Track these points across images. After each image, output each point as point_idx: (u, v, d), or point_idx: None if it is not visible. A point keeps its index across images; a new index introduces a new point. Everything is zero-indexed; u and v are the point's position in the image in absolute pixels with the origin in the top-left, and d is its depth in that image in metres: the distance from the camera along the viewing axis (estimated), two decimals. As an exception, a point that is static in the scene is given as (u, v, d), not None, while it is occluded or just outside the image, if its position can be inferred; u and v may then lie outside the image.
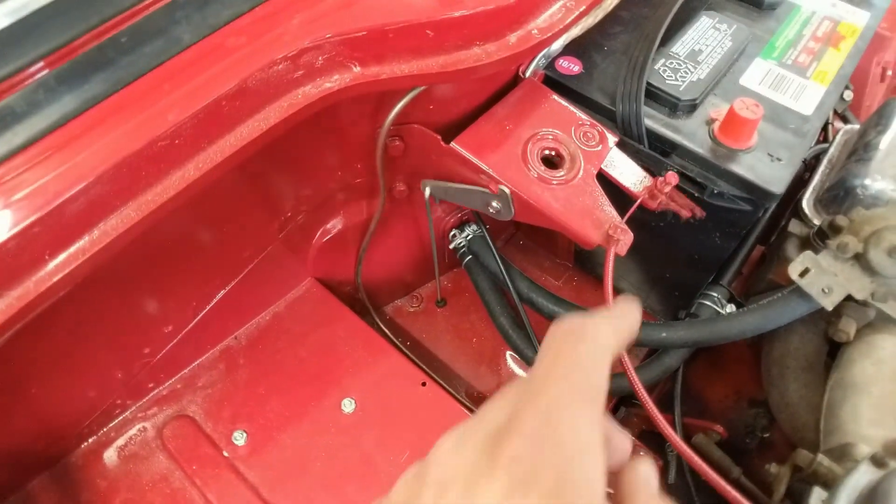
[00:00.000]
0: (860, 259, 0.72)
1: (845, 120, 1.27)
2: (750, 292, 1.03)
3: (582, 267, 1.10)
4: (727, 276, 0.96)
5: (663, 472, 0.94)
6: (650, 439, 0.99)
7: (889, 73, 1.39)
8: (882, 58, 1.33)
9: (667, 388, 1.07)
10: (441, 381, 0.89)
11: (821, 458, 0.71)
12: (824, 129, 1.16)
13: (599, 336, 0.32)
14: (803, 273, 0.74)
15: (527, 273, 1.08)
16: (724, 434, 0.95)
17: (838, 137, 1.00)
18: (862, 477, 0.64)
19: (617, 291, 1.06)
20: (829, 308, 0.73)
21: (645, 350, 1.02)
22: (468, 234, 0.95)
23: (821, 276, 0.73)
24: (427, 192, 0.76)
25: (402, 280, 1.04)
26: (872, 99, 1.38)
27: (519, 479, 0.26)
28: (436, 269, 0.97)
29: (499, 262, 0.90)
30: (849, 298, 0.75)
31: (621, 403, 1.05)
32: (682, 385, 1.22)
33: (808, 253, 0.75)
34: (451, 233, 0.96)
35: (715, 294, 0.93)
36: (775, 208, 1.01)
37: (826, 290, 0.73)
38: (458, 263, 1.01)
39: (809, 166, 1.02)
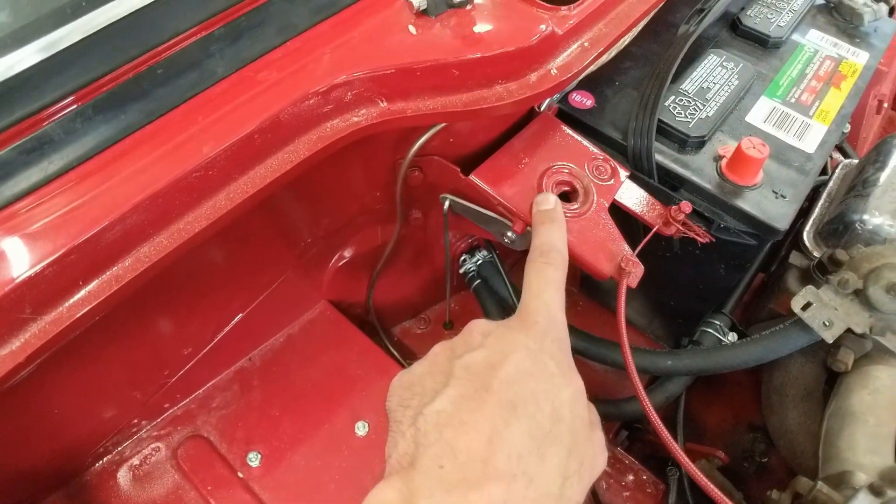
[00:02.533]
0: (860, 295, 0.76)
1: (843, 152, 1.31)
2: (751, 320, 1.06)
3: (587, 293, 1.13)
4: (729, 305, 0.99)
5: (665, 497, 0.97)
6: (652, 463, 1.02)
7: (885, 105, 1.44)
8: (878, 91, 1.37)
9: (667, 412, 1.08)
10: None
11: (820, 485, 0.74)
12: (823, 161, 1.20)
13: (560, 258, 0.61)
14: (805, 307, 0.77)
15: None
16: (726, 460, 0.97)
17: (837, 171, 1.04)
18: (861, 505, 0.67)
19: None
20: (830, 341, 0.76)
21: (648, 376, 1.04)
22: (478, 259, 0.97)
23: (822, 310, 0.76)
24: (446, 204, 0.78)
25: (410, 303, 1.06)
26: (869, 131, 1.42)
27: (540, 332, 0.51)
28: (447, 290, 1.00)
29: (509, 287, 0.93)
30: (848, 331, 0.77)
31: (623, 427, 1.07)
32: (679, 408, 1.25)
33: (811, 287, 0.78)
34: (462, 257, 0.98)
35: (717, 322, 0.96)
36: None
37: (827, 324, 0.76)
38: (464, 287, 1.03)
39: (809, 199, 1.06)
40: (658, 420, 0.66)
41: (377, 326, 1.01)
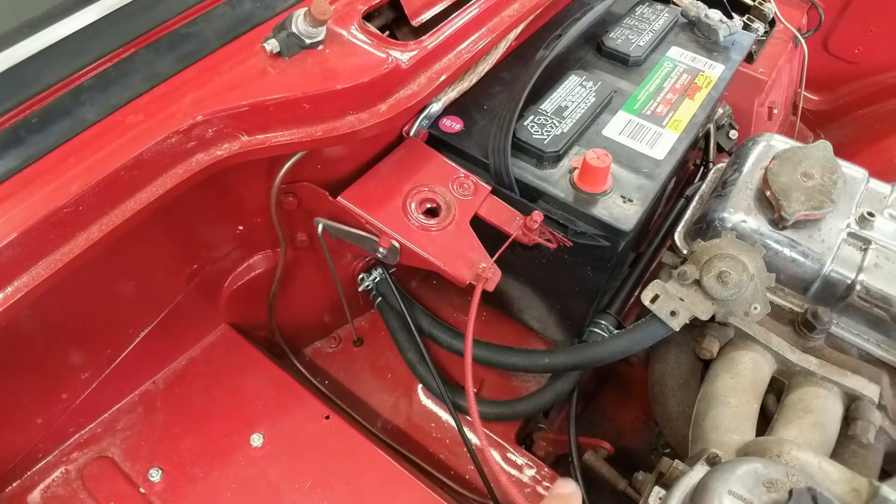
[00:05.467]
0: (699, 284, 0.86)
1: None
2: (641, 317, 1.16)
3: (489, 303, 1.22)
4: (615, 306, 1.09)
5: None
6: (552, 460, 1.12)
7: (776, 111, 1.57)
8: (765, 99, 1.51)
9: (579, 410, 1.17)
10: (352, 413, 0.99)
11: (676, 463, 0.83)
12: (706, 166, 1.32)
13: None
14: (654, 299, 0.87)
15: (438, 311, 1.20)
16: (611, 450, 1.06)
17: (710, 175, 1.16)
18: (695, 475, 0.76)
19: (523, 324, 1.20)
20: (677, 329, 0.86)
21: (547, 377, 1.14)
22: (375, 277, 1.06)
23: (668, 301, 0.86)
24: (320, 228, 0.88)
25: (319, 322, 1.15)
26: (762, 136, 1.55)
27: None
28: (346, 310, 1.09)
29: (400, 301, 1.02)
30: (696, 318, 0.88)
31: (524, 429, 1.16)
32: (599, 410, 1.35)
33: (658, 281, 0.88)
34: (360, 276, 1.07)
35: (603, 322, 1.06)
36: (661, 240, 1.16)
37: (673, 313, 0.86)
38: (373, 304, 1.12)
39: (690, 201, 1.18)
40: (476, 413, 0.76)
41: (284, 347, 1.09)
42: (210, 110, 0.71)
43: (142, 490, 0.85)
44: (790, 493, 0.62)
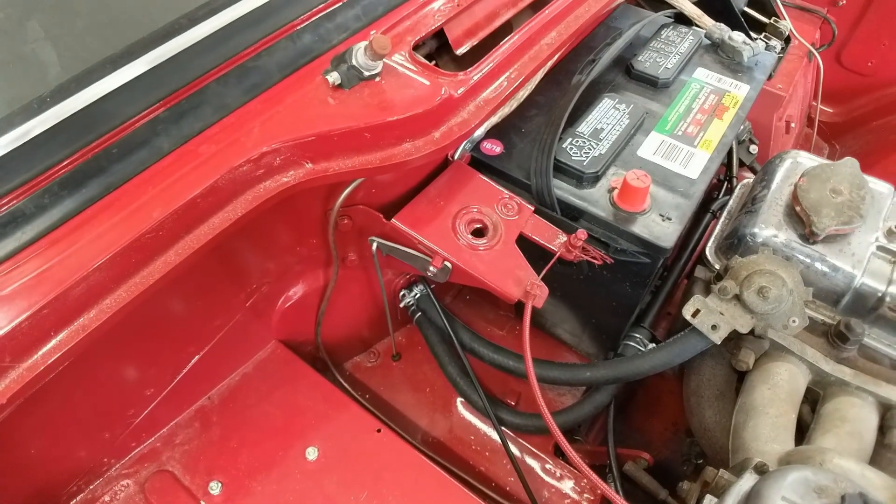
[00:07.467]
0: (739, 299, 0.90)
1: (753, 171, 1.48)
2: (672, 330, 1.20)
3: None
4: (648, 319, 1.14)
5: (603, 500, 1.09)
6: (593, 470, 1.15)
7: (793, 125, 1.62)
8: (783, 113, 1.56)
9: (605, 423, 1.21)
10: (396, 429, 1.03)
11: (722, 472, 0.87)
12: (729, 181, 1.37)
13: None
14: (695, 314, 0.92)
15: (472, 325, 1.25)
16: (651, 461, 1.10)
17: (736, 191, 1.20)
18: (746, 483, 0.80)
19: (556, 338, 1.24)
20: (718, 342, 0.91)
21: (582, 389, 1.18)
22: (416, 294, 1.11)
23: (709, 315, 0.91)
24: (374, 246, 0.93)
25: (359, 337, 1.19)
26: (780, 150, 1.60)
27: None
28: (389, 325, 1.13)
29: (443, 317, 1.07)
30: (736, 331, 0.92)
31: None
32: (626, 422, 1.39)
33: (698, 296, 0.93)
34: (401, 293, 1.12)
35: (638, 335, 1.10)
36: (688, 254, 1.21)
37: (714, 327, 0.91)
38: (410, 320, 1.17)
39: (716, 217, 1.22)
40: (557, 430, 0.80)
41: (328, 362, 1.13)
42: (279, 139, 0.76)
43: (203, 503, 0.89)
44: (843, 498, 0.65)
